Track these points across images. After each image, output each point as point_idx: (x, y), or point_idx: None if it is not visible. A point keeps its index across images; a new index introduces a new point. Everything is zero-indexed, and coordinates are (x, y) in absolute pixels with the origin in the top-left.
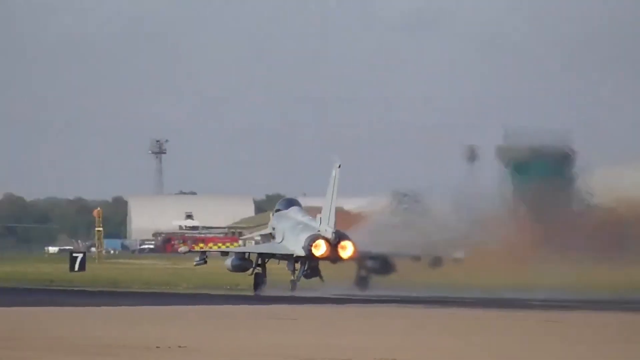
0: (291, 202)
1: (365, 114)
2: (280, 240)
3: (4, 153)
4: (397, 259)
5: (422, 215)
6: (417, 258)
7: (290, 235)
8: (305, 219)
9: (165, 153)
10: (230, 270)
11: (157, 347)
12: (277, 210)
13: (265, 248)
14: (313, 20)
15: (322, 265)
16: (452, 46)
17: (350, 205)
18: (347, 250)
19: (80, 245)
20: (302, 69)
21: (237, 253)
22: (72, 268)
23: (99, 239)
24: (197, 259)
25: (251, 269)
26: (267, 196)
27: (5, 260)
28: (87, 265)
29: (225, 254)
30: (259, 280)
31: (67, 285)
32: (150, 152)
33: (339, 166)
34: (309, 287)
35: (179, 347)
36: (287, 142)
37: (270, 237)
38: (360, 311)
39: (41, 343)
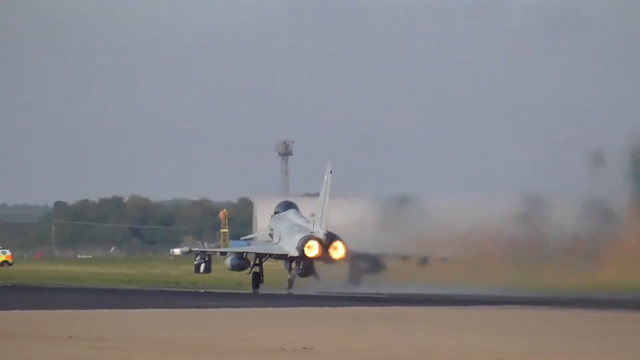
0: (289, 205)
1: (490, 115)
2: (277, 241)
3: (129, 154)
4: (387, 258)
5: (418, 217)
6: (405, 257)
7: (286, 236)
8: (301, 221)
9: (291, 154)
10: (230, 269)
11: (282, 349)
12: (276, 213)
13: (261, 248)
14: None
15: (317, 264)
16: (580, 45)
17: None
18: (338, 250)
19: (206, 246)
20: (431, 70)
21: (235, 253)
22: (197, 270)
23: (224, 240)
24: (198, 258)
25: (249, 268)
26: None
27: (131, 262)
28: (213, 267)
29: (224, 254)
30: (257, 279)
31: (192, 287)
32: (276, 153)
33: (330, 172)
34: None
35: (304, 348)
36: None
37: (269, 237)
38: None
39: (162, 344)
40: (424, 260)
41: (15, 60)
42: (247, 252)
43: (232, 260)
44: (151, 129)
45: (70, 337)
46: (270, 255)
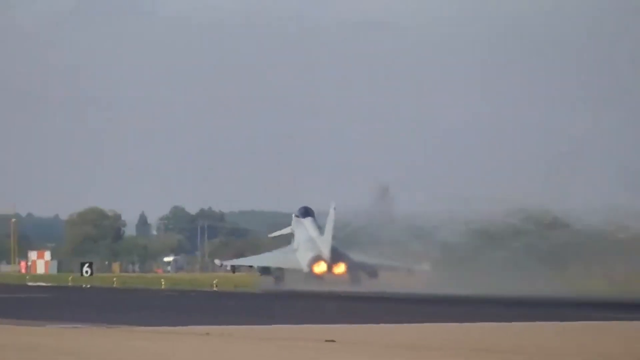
0: (307, 212)
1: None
2: (296, 248)
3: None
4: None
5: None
6: (394, 268)
7: (303, 248)
8: (316, 234)
9: None
10: (260, 274)
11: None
12: (296, 216)
13: (281, 262)
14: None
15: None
16: None
17: None
18: (340, 268)
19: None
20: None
21: (260, 266)
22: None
23: None
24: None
25: (273, 274)
26: None
27: None
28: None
29: (251, 267)
30: (278, 281)
31: None
32: None
33: (334, 208)
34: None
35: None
36: None
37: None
38: None
39: None
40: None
41: None
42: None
43: (258, 269)
44: None
45: None
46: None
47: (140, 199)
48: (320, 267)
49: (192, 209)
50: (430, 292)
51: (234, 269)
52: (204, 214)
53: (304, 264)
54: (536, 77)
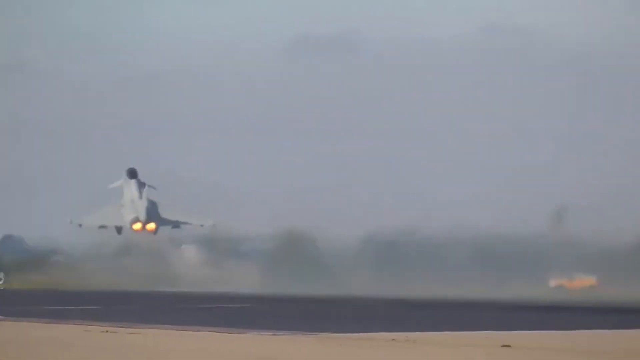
0: (133, 174)
1: None
2: (123, 204)
3: None
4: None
5: None
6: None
7: (127, 207)
8: (137, 196)
9: None
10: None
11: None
12: (126, 176)
13: (109, 220)
14: None
15: None
16: None
17: None
18: (151, 226)
19: None
20: None
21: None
22: None
23: None
24: None
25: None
26: None
27: None
28: None
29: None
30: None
31: None
32: None
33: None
34: None
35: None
36: None
37: None
38: None
39: None
40: None
41: None
42: None
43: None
44: None
45: None
46: None
47: None
48: (137, 226)
49: None
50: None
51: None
52: None
53: (127, 221)
54: None
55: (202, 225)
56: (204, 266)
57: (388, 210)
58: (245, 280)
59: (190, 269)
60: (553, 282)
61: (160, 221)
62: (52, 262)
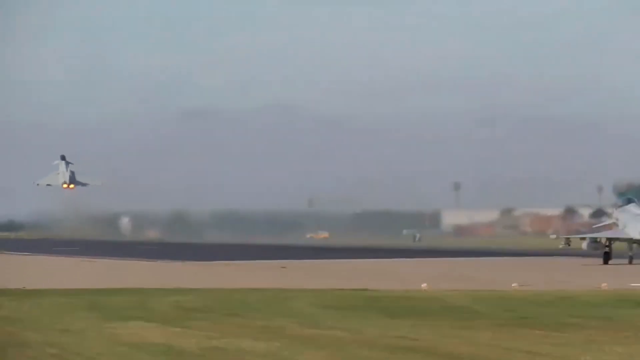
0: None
1: None
2: (622, 228)
3: None
4: None
5: None
6: None
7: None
8: (64, 169)
9: None
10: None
11: None
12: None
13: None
14: None
15: None
16: None
17: None
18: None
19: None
20: None
21: (590, 238)
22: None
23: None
24: (562, 243)
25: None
26: None
27: None
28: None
29: (583, 239)
30: (607, 257)
31: None
32: None
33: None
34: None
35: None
36: None
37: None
38: None
39: None
40: None
41: None
42: (600, 237)
43: (588, 244)
44: None
45: None
46: (617, 239)
47: None
48: (65, 186)
49: None
50: None
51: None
52: None
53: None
54: None
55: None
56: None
57: None
58: None
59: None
60: (308, 235)
61: (77, 183)
62: None
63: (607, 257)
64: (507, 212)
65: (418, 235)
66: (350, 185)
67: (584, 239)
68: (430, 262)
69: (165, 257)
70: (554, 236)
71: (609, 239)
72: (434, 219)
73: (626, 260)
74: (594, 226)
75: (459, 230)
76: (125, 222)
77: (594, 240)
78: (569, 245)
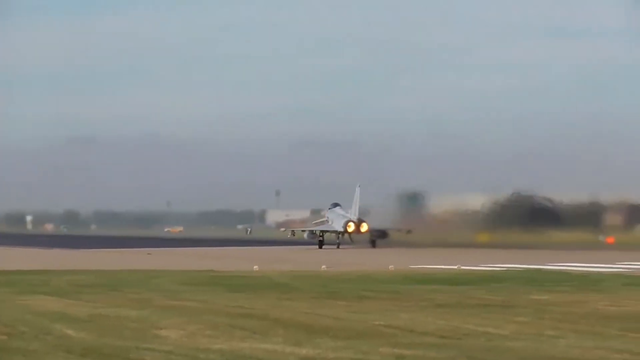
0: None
1: None
2: (331, 223)
3: None
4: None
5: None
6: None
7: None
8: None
9: None
10: (306, 239)
11: None
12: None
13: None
14: None
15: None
16: None
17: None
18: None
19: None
20: None
21: (309, 230)
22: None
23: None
24: (289, 234)
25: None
26: None
27: None
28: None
29: (304, 231)
30: (321, 243)
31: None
32: None
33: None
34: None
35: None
36: None
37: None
38: None
39: None
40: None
41: None
42: (315, 230)
43: (308, 235)
44: None
45: None
46: (327, 231)
47: None
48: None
49: None
50: None
51: None
52: None
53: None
54: None
55: None
56: None
57: None
58: None
59: None
60: (166, 229)
61: None
62: None
63: (321, 244)
64: (316, 211)
65: (249, 229)
66: (198, 190)
67: (304, 231)
68: (259, 249)
69: (60, 246)
70: (283, 229)
71: (322, 231)
72: (261, 217)
73: (335, 246)
74: (312, 222)
75: (279, 225)
76: (28, 219)
77: (312, 232)
78: (294, 235)
